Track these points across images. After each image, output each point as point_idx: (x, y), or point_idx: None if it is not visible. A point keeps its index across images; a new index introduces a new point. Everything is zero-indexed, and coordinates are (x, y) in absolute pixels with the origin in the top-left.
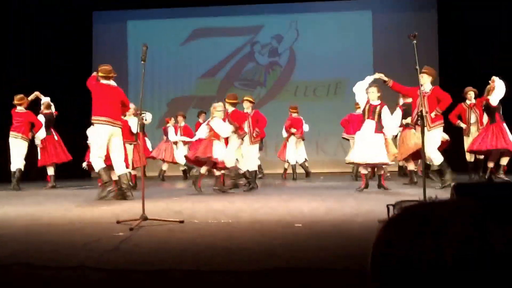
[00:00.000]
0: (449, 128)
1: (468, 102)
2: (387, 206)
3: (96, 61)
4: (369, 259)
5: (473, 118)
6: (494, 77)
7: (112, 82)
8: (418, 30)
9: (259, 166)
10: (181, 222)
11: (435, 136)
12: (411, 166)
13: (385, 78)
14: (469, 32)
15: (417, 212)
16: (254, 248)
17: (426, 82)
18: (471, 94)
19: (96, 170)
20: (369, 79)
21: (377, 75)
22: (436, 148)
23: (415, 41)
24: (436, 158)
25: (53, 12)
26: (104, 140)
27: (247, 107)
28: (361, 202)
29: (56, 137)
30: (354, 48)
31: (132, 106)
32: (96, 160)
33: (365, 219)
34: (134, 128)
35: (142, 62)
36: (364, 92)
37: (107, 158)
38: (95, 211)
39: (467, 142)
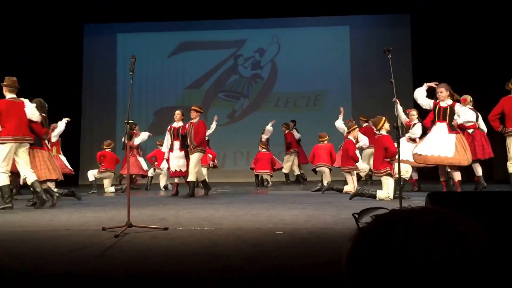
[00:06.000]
0: None
1: None
2: (353, 215)
3: (86, 71)
4: (343, 268)
5: None
6: None
7: None
8: (393, 45)
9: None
10: (166, 229)
11: None
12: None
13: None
14: (440, 47)
15: (389, 221)
16: (236, 255)
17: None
18: None
19: None
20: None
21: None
22: None
23: (390, 55)
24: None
25: (45, 24)
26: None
27: (193, 117)
28: (340, 210)
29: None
30: (332, 61)
31: None
32: None
33: (344, 226)
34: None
35: (130, 73)
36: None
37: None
38: (81, 218)
39: None
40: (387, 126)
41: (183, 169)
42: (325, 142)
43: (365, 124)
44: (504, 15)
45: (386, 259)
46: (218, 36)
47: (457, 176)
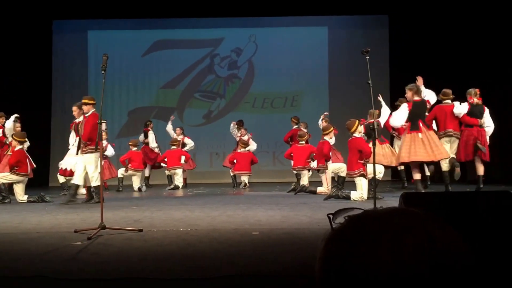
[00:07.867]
0: None
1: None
2: (327, 215)
3: (56, 70)
4: (316, 270)
5: None
6: None
7: None
8: (371, 46)
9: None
10: (140, 230)
11: None
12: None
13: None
14: (417, 48)
15: (360, 222)
16: (212, 256)
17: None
18: None
19: None
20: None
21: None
22: None
23: (367, 56)
24: None
25: (12, 20)
26: None
27: (85, 110)
28: (315, 211)
29: None
30: (310, 62)
31: None
32: None
33: (319, 227)
34: None
35: (103, 72)
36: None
37: None
38: (52, 221)
39: None
40: (360, 128)
41: (74, 169)
42: (303, 142)
43: (295, 126)
44: (481, 17)
45: (357, 259)
46: (194, 35)
47: (418, 175)
